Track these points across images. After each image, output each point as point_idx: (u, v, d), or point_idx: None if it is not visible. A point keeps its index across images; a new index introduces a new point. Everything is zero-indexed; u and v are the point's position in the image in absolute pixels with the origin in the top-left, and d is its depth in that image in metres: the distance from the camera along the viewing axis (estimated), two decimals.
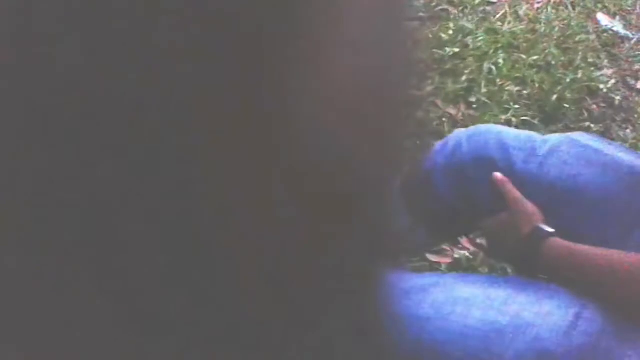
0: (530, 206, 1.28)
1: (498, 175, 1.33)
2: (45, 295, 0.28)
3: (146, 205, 0.27)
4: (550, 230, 1.23)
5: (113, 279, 0.27)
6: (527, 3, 2.73)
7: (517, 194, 1.30)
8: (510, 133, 1.42)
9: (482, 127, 1.48)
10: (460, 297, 1.18)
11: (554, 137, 1.41)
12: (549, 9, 2.72)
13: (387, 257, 0.36)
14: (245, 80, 0.27)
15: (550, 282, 1.22)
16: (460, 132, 1.46)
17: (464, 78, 2.34)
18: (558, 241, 1.21)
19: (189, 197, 0.27)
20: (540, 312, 1.14)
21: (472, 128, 1.48)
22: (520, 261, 1.28)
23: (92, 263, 0.27)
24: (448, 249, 1.93)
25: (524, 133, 1.44)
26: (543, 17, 2.67)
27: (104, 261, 0.27)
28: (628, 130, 2.39)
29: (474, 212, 1.38)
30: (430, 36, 2.38)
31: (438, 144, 1.46)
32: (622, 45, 2.68)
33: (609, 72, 2.55)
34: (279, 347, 0.31)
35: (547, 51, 2.51)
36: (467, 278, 1.28)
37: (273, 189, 0.28)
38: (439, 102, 2.28)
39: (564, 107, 2.36)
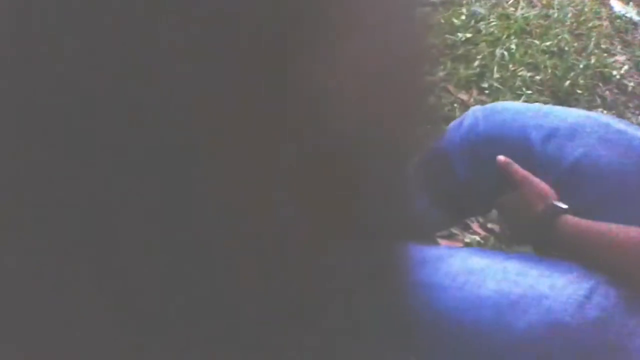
0: (542, 184, 1.27)
1: (501, 158, 1.31)
2: (45, 295, 0.28)
3: (146, 205, 0.27)
4: (564, 206, 1.22)
5: (113, 279, 0.27)
6: None
7: (524, 172, 1.28)
8: (529, 110, 1.39)
9: (499, 105, 1.43)
10: (475, 268, 1.17)
11: (574, 114, 1.37)
12: None
13: (392, 251, 0.36)
14: (245, 80, 0.27)
15: (565, 258, 1.21)
16: (476, 110, 1.42)
17: (476, 63, 2.33)
18: (572, 218, 1.21)
19: (189, 197, 0.27)
20: (555, 285, 1.13)
21: (488, 106, 1.42)
22: (534, 239, 1.27)
23: (92, 263, 0.27)
24: (459, 233, 1.93)
25: (543, 109, 1.39)
26: (556, 3, 2.66)
27: (104, 261, 0.27)
28: None
29: (489, 192, 1.37)
30: (443, 21, 2.37)
31: (454, 122, 1.44)
32: (635, 31, 2.66)
33: (622, 58, 2.54)
34: (279, 347, 0.31)
35: (560, 37, 2.50)
36: (483, 252, 1.27)
37: (273, 189, 0.28)
38: (451, 88, 2.27)
39: (577, 93, 2.34)
